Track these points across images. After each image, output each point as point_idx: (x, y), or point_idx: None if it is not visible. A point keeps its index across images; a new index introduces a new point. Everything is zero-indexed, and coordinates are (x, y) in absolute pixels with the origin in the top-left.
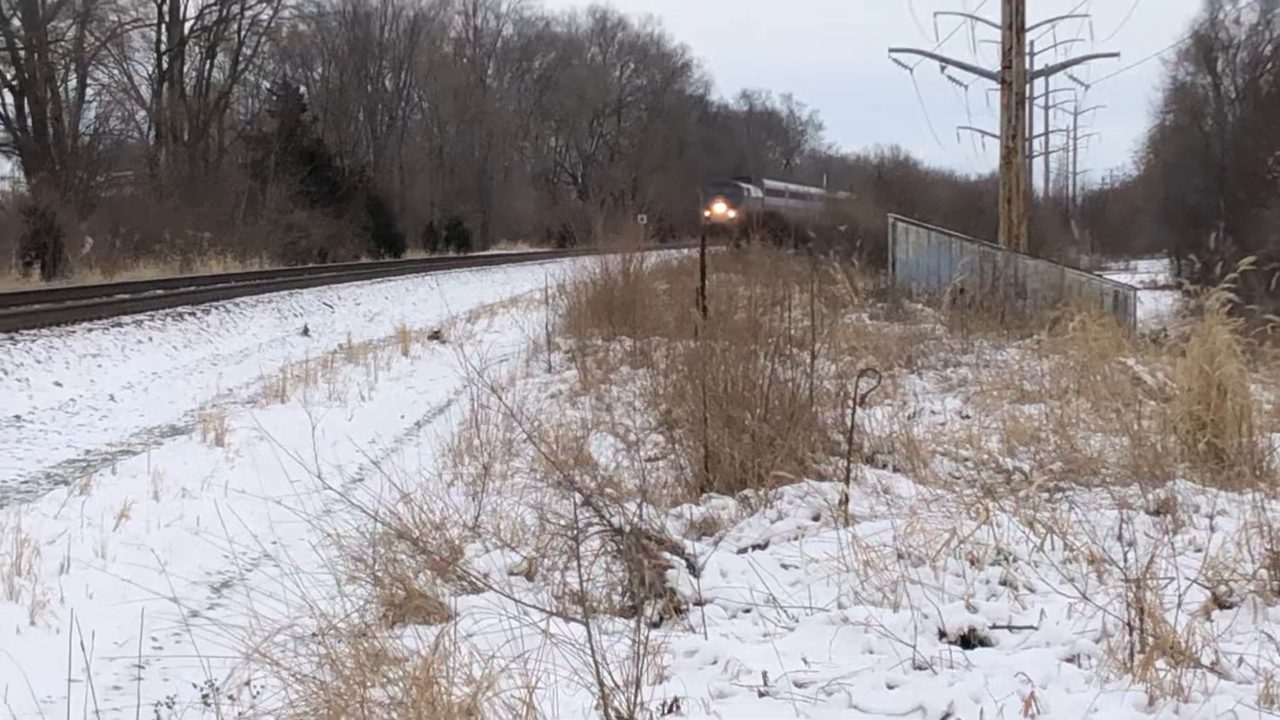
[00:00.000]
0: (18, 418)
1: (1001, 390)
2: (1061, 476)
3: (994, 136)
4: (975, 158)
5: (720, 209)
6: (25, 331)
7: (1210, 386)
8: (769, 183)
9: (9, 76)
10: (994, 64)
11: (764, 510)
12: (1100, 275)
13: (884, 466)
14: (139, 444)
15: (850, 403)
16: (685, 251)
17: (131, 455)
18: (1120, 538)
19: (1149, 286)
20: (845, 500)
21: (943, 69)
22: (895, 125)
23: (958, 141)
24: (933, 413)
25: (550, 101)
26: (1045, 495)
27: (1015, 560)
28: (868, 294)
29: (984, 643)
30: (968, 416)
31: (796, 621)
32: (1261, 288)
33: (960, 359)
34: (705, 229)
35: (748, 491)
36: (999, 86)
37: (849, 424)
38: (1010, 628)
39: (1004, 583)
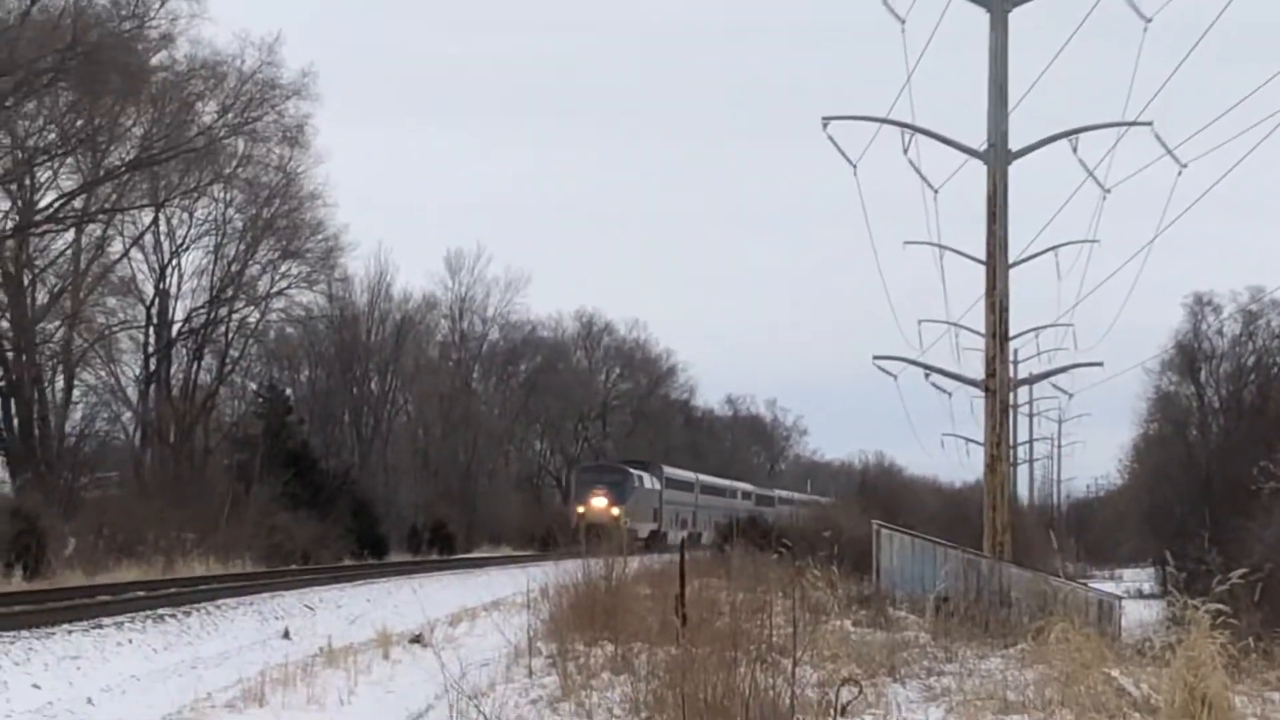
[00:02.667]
0: None
1: (985, 700)
2: None
3: (978, 443)
4: (960, 464)
5: (599, 504)
6: (4, 633)
7: (1194, 699)
8: (673, 472)
9: None
10: (977, 372)
11: None
12: (1085, 584)
13: None
14: None
15: (833, 712)
16: (668, 557)
17: None
18: None
19: (1134, 596)
20: None
21: (926, 376)
22: (880, 430)
23: (942, 448)
24: None
25: (536, 404)
26: None
27: None
28: (851, 600)
29: None
30: None
31: None
32: (1247, 599)
33: (944, 668)
34: (587, 532)
35: None
36: (983, 394)
37: None
38: None
39: None
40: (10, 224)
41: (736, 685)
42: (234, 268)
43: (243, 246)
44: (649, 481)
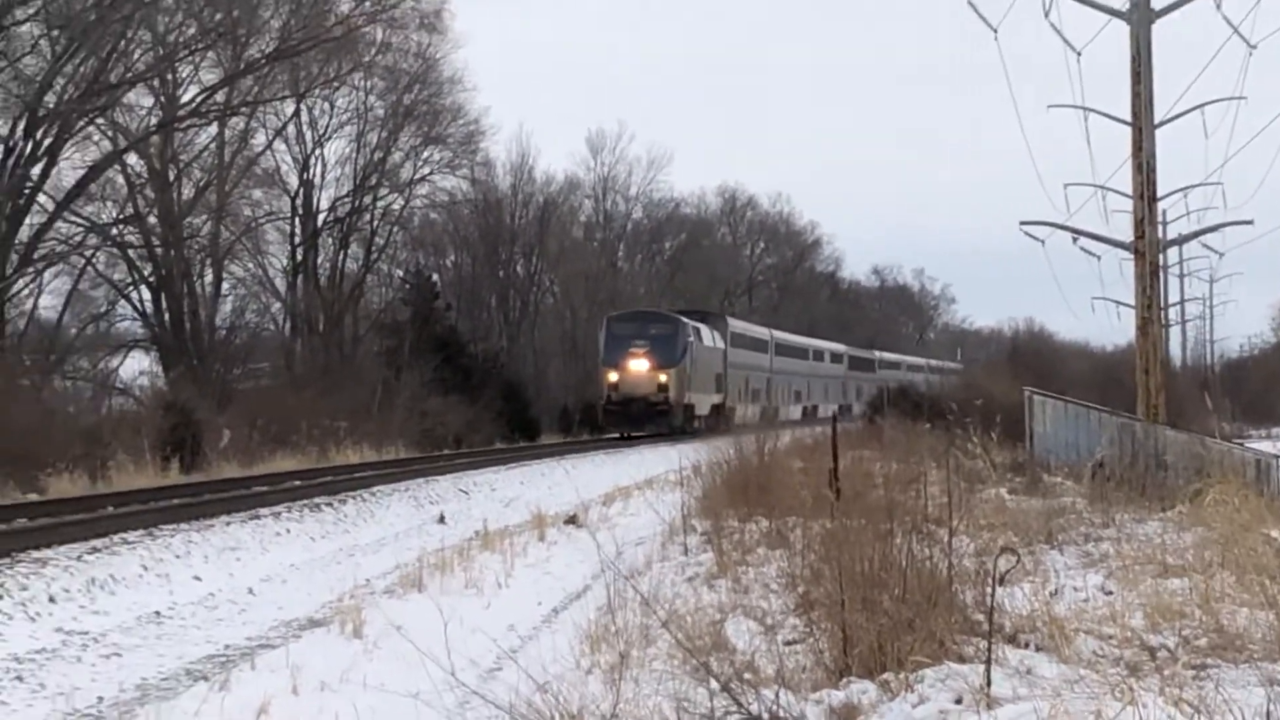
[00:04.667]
0: (158, 614)
1: (1144, 565)
2: (1207, 653)
3: (1129, 307)
4: (1111, 328)
5: (638, 367)
6: (165, 526)
7: None
8: (741, 326)
9: (147, 273)
10: (1126, 234)
11: (904, 694)
12: (1241, 444)
13: (1026, 646)
14: (278, 638)
15: (990, 581)
16: (819, 429)
17: (270, 649)
18: (1269, 717)
19: None
20: (987, 683)
21: (1074, 240)
22: (1029, 297)
23: (1092, 312)
24: (1075, 589)
25: (681, 282)
26: (1191, 673)
27: None
28: (1005, 469)
29: None
30: (1110, 593)
31: None
32: None
33: (1101, 533)
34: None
35: (887, 675)
36: (1132, 257)
37: (989, 603)
38: None
39: None
40: (154, 120)
41: (892, 557)
42: (376, 155)
43: (384, 134)
44: (709, 337)
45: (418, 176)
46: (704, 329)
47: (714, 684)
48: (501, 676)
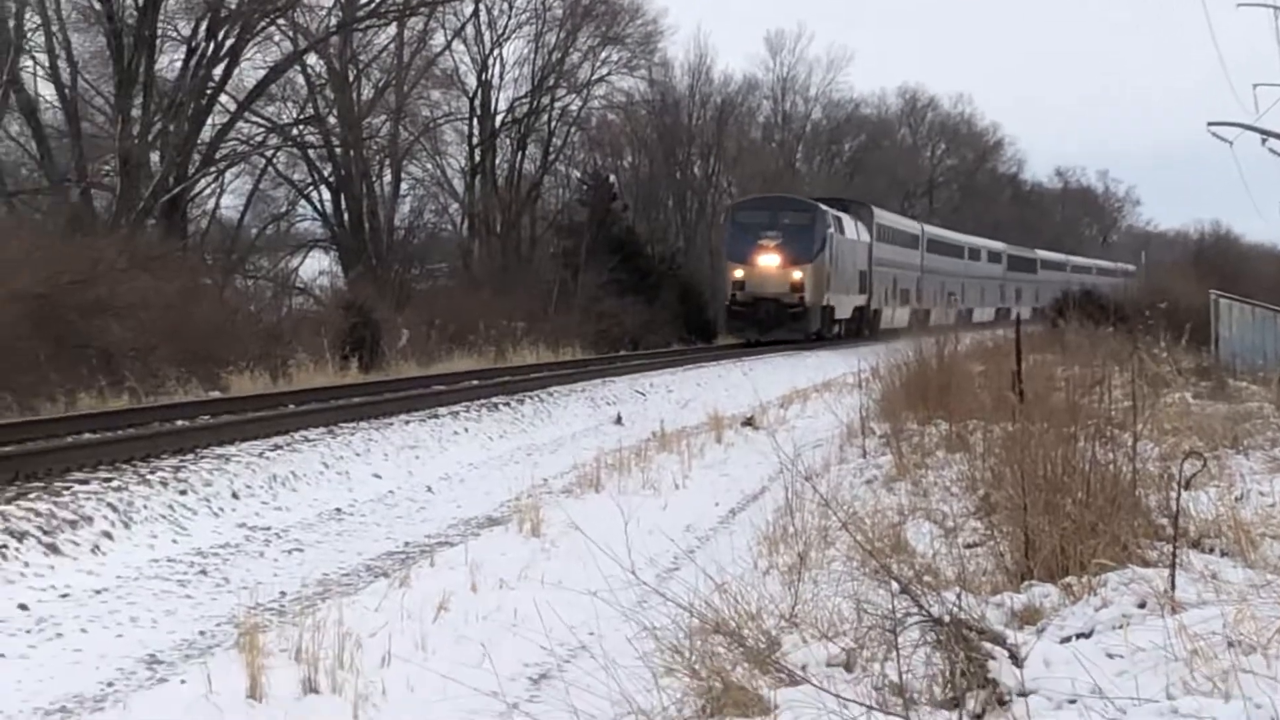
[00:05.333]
0: (338, 510)
1: None
2: None
3: None
4: None
5: (768, 263)
6: (344, 425)
7: None
8: (888, 218)
9: (326, 173)
10: None
11: (1087, 598)
12: None
13: (1211, 551)
14: (456, 535)
15: (1175, 485)
16: (1000, 332)
17: (449, 547)
18: None
19: None
20: (1172, 586)
21: (1263, 142)
22: (1215, 200)
23: None
24: (1261, 494)
25: (861, 183)
26: None
27: None
28: (1190, 373)
29: None
30: None
31: (1124, 713)
32: None
33: None
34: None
35: (1070, 579)
36: None
37: (1174, 508)
38: None
39: None
40: (334, 20)
41: (1075, 460)
42: (554, 56)
43: (562, 34)
44: (851, 229)
45: (595, 77)
46: (846, 219)
47: (894, 585)
48: (679, 576)
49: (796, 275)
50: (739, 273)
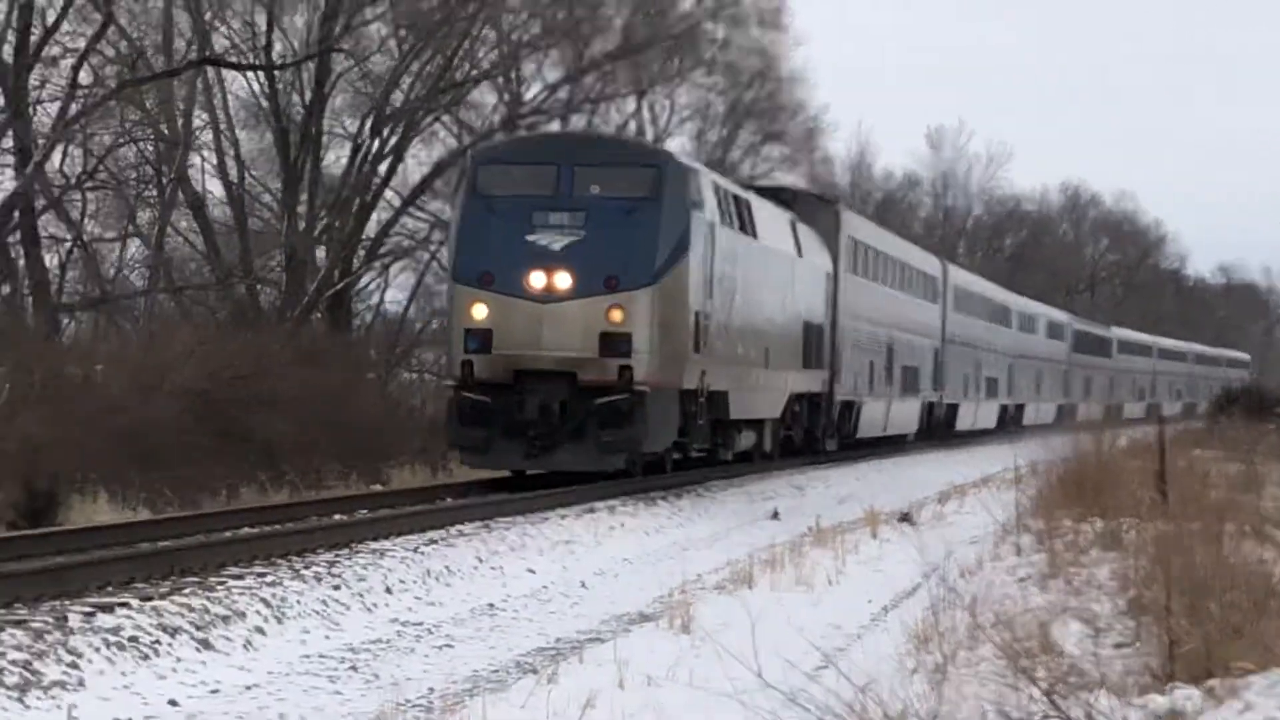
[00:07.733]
0: (491, 605)
1: None
2: None
3: None
4: None
5: (555, 287)
6: (500, 520)
7: None
8: (867, 231)
9: None
10: None
11: (1229, 701)
12: None
13: None
14: (607, 631)
15: None
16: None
17: (599, 643)
18: None
19: None
20: None
21: None
22: None
23: None
24: None
25: (1022, 278)
26: None
27: None
28: None
29: None
30: None
31: None
32: None
33: None
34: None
35: (1213, 681)
36: None
37: None
38: None
39: None
40: (499, 117)
41: (1223, 560)
42: (716, 153)
43: (724, 131)
44: (781, 234)
45: (756, 173)
46: (771, 212)
47: (1035, 691)
48: (827, 674)
49: (616, 315)
50: (479, 311)
